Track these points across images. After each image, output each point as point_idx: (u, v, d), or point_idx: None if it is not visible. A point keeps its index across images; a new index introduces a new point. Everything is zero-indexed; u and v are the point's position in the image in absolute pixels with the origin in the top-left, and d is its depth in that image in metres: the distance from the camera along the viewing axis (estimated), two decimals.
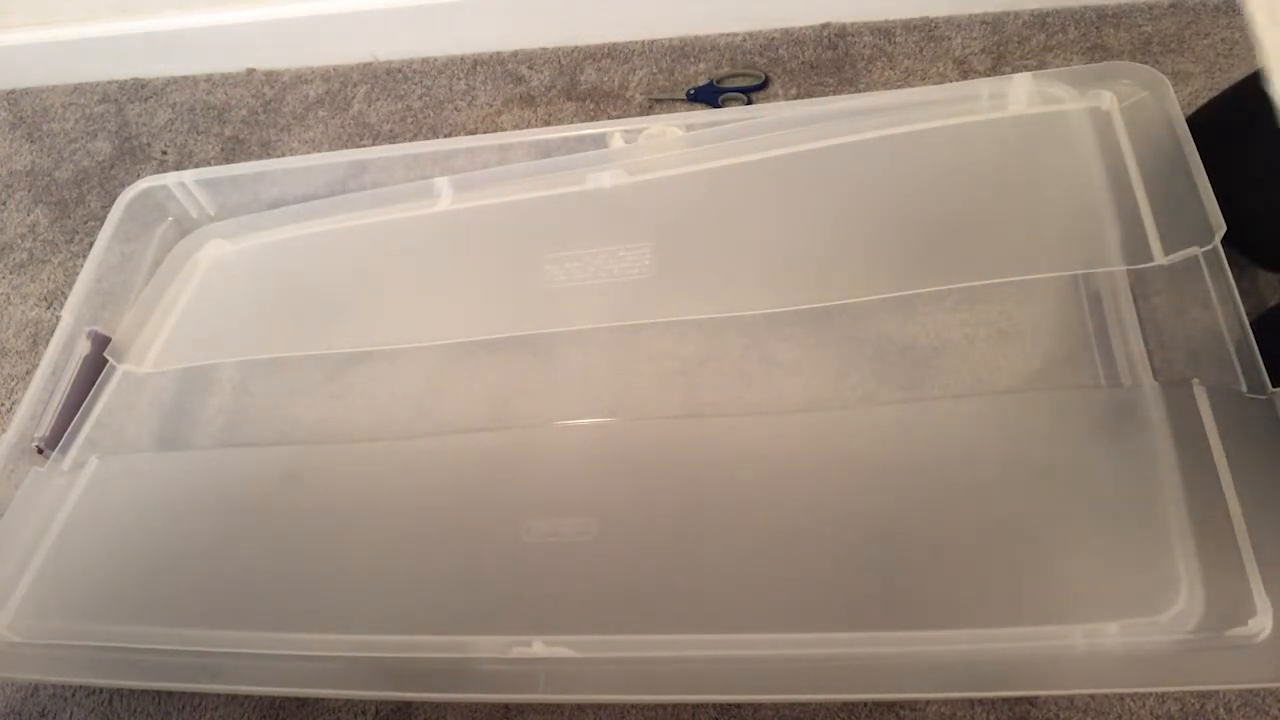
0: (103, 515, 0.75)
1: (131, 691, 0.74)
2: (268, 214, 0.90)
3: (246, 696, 0.71)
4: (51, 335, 0.80)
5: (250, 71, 1.17)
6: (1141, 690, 0.62)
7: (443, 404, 0.78)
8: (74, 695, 0.75)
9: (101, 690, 0.74)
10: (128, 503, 0.76)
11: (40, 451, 0.76)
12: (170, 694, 0.73)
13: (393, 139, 1.07)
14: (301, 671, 0.63)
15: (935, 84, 0.88)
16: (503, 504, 0.68)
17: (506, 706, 0.68)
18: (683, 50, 1.06)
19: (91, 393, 0.79)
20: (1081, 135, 0.72)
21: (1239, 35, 0.90)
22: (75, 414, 0.78)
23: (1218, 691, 0.62)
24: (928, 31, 1.00)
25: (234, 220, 0.90)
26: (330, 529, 0.71)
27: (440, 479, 0.72)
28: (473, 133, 1.05)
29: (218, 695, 0.72)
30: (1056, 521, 0.59)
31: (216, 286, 0.87)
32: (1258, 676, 0.52)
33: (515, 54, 1.10)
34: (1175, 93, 0.68)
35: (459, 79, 1.10)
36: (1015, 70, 0.91)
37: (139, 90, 1.19)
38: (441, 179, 0.84)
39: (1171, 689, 0.62)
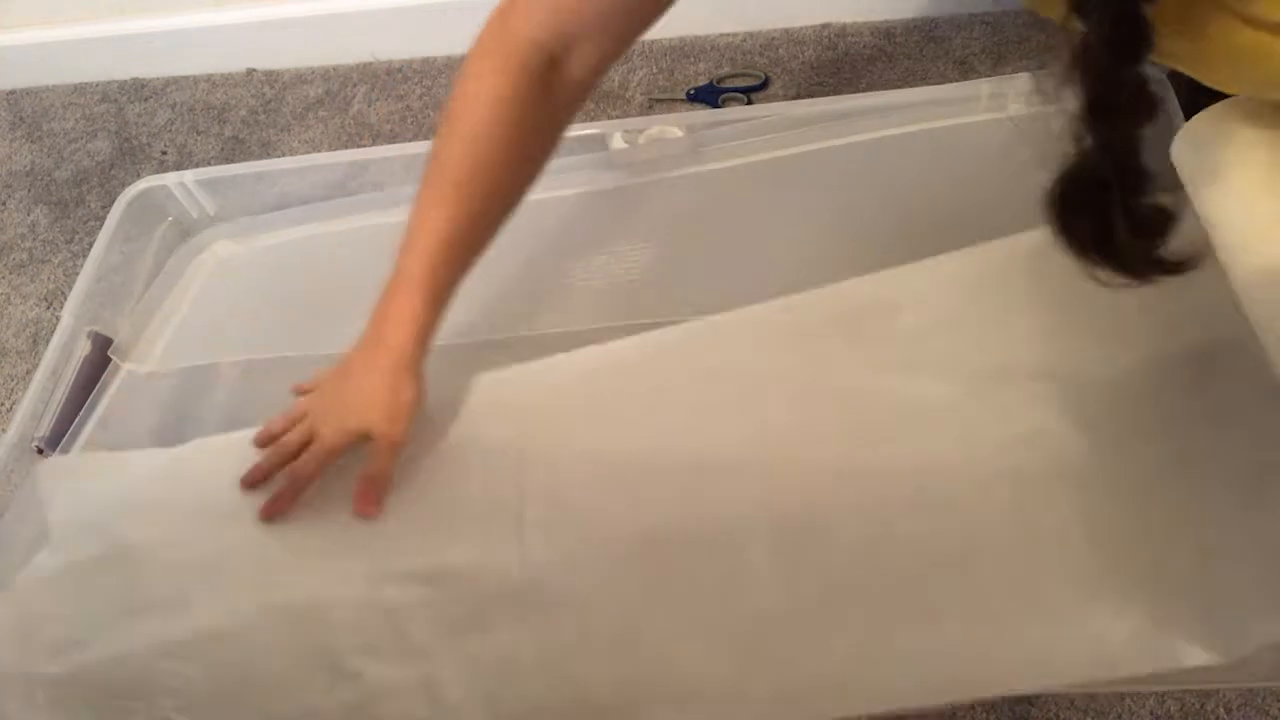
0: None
1: None
2: (273, 215, 0.90)
3: None
4: (51, 335, 0.80)
5: (250, 71, 1.17)
6: (1141, 690, 0.62)
7: (444, 404, 0.78)
8: None
9: None
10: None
11: (40, 452, 0.75)
12: None
13: (393, 139, 1.07)
14: None
15: (935, 84, 0.88)
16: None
17: None
18: (683, 50, 1.06)
19: (94, 392, 0.79)
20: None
21: None
22: (76, 414, 0.78)
23: (1218, 691, 0.62)
24: (928, 31, 1.00)
25: (240, 221, 0.90)
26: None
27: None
28: None
29: None
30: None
31: (222, 287, 0.87)
32: (1257, 675, 0.52)
33: None
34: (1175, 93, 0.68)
35: None
36: (1015, 70, 0.91)
37: (139, 90, 1.19)
38: None
39: (1171, 688, 0.62)
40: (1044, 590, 0.54)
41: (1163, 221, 0.42)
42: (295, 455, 0.63)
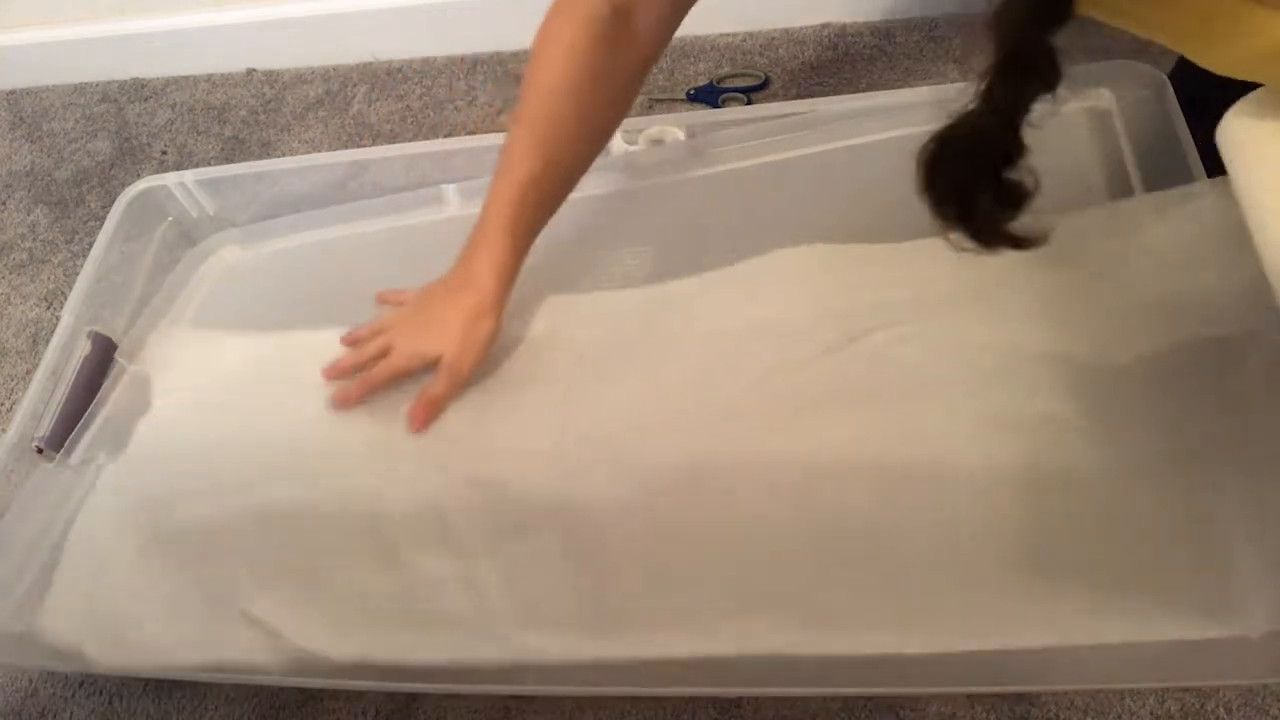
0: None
1: (131, 691, 0.74)
2: (280, 220, 0.90)
3: (247, 696, 0.72)
4: (51, 335, 0.80)
5: (250, 71, 1.17)
6: (1141, 686, 0.62)
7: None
8: (74, 695, 0.75)
9: (101, 691, 0.74)
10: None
11: (40, 452, 0.75)
12: (170, 694, 0.73)
13: (393, 139, 1.07)
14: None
15: (935, 84, 0.88)
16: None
17: (507, 706, 0.68)
18: (683, 50, 1.06)
19: (100, 393, 0.79)
20: (1081, 135, 0.72)
21: None
22: (77, 413, 0.77)
23: (1218, 691, 0.62)
24: (928, 31, 1.00)
25: (247, 227, 0.90)
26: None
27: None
28: (473, 133, 1.05)
29: (218, 695, 0.72)
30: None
31: (229, 292, 0.87)
32: (1256, 672, 0.52)
33: (515, 54, 1.10)
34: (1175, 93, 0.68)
35: (459, 79, 1.10)
36: None
37: (139, 90, 1.19)
38: (449, 186, 0.85)
39: (1171, 687, 0.62)
40: (1051, 567, 0.55)
41: (1021, 196, 0.44)
42: (371, 362, 0.70)
